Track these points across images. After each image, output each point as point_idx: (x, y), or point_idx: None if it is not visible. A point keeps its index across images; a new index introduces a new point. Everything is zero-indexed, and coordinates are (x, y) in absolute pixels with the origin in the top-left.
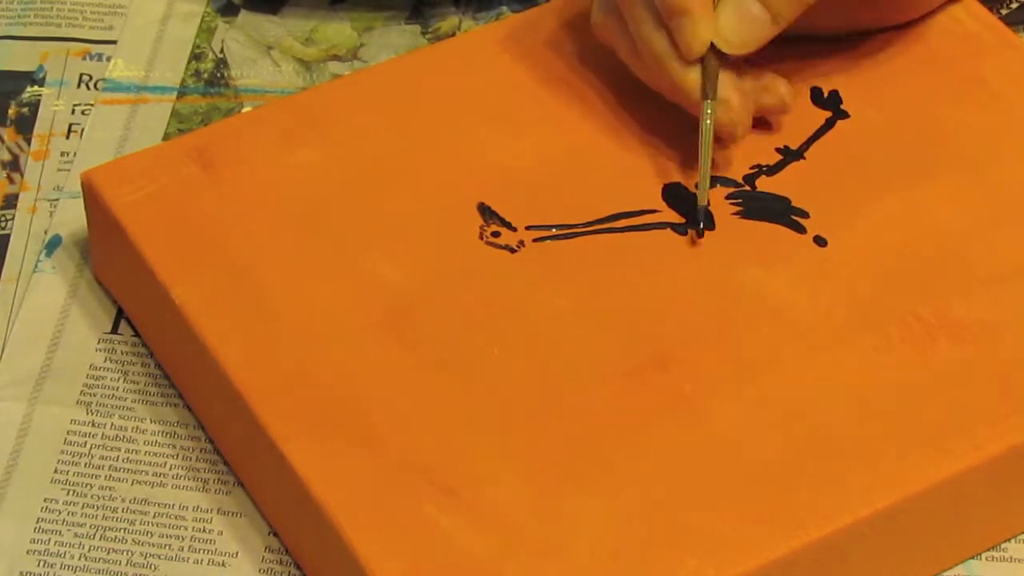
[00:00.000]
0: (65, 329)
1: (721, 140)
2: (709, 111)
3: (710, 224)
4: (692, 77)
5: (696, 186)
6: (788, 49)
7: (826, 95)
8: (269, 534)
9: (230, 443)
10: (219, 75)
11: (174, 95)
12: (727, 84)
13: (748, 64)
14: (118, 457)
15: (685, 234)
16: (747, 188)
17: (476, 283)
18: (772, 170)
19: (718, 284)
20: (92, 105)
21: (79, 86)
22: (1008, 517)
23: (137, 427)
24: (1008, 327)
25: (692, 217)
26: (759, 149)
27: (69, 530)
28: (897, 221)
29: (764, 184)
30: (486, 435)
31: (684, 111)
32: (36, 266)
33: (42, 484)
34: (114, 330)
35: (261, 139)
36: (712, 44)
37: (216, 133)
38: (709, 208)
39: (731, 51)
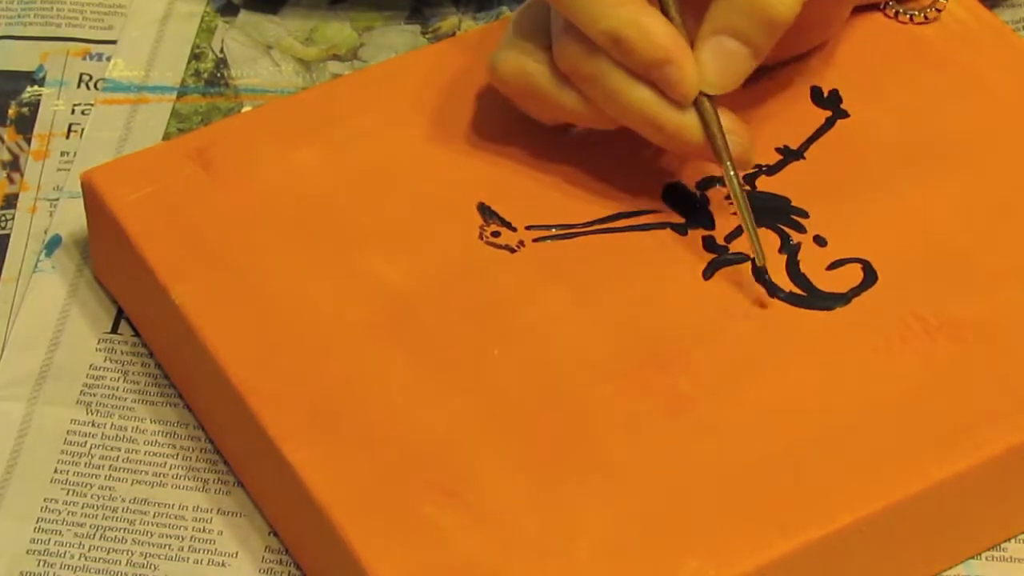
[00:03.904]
0: (65, 329)
1: (739, 168)
2: (733, 173)
3: (709, 224)
4: (691, 121)
5: (696, 185)
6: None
7: (826, 94)
8: (269, 534)
9: (230, 443)
10: (219, 75)
11: (174, 95)
12: (725, 115)
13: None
14: (118, 457)
15: (685, 234)
16: (747, 188)
17: (476, 283)
18: (772, 170)
19: (718, 284)
20: (92, 105)
21: (79, 86)
22: (1008, 517)
23: (137, 427)
24: (1008, 327)
25: (693, 217)
26: (759, 149)
27: (69, 530)
28: (897, 221)
29: (764, 184)
30: (486, 435)
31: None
32: (36, 266)
33: (42, 484)
34: (114, 330)
35: (261, 139)
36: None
37: (216, 133)
38: (763, 262)
39: (717, 91)
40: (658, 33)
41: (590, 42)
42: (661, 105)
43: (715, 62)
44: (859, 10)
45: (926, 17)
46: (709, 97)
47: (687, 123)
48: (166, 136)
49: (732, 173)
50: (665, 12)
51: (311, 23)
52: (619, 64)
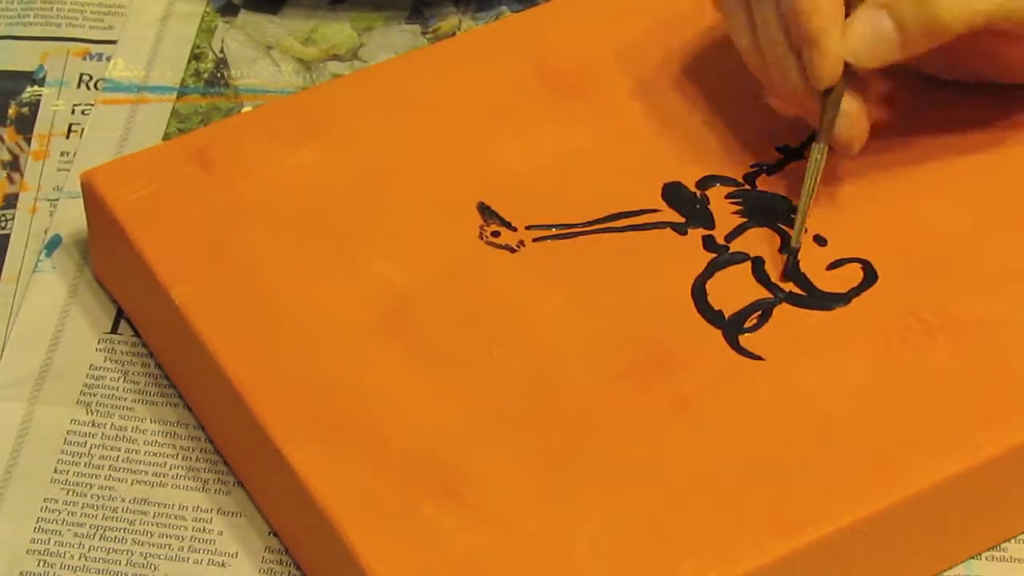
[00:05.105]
0: (65, 329)
1: (839, 151)
2: (820, 155)
3: (709, 224)
4: (815, 102)
5: (696, 185)
6: None
7: None
8: (269, 534)
9: (230, 443)
10: (219, 75)
11: (174, 95)
12: (850, 95)
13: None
14: (118, 457)
15: (685, 234)
16: (747, 187)
17: (476, 283)
18: (772, 169)
19: (718, 284)
20: (92, 105)
21: (79, 86)
22: (1008, 517)
23: (137, 427)
24: (1008, 327)
25: (692, 217)
26: (759, 148)
27: (69, 530)
28: (897, 221)
29: (764, 183)
30: (486, 435)
31: (689, 106)
32: (36, 266)
33: (42, 484)
34: (114, 330)
35: (261, 139)
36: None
37: (216, 133)
38: (797, 253)
39: (857, 63)
40: (823, 10)
41: None
42: (796, 73)
43: (865, 34)
44: None
45: None
46: (844, 75)
47: (810, 101)
48: (166, 136)
49: (819, 156)
50: None
51: (311, 23)
52: (779, 16)
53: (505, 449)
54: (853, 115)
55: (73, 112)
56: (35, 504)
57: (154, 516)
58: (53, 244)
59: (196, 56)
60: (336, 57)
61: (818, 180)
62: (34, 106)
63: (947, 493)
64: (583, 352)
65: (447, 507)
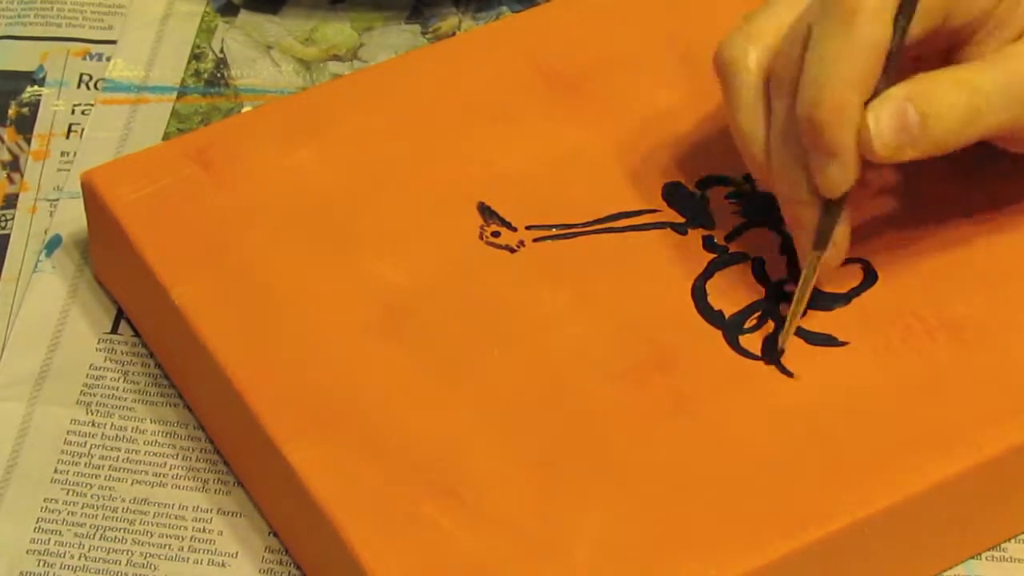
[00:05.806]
0: (65, 329)
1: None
2: (816, 263)
3: (709, 224)
4: (812, 215)
5: (696, 185)
6: None
7: None
8: (269, 534)
9: (230, 443)
10: (219, 75)
11: (174, 95)
12: (843, 225)
13: None
14: (118, 457)
15: (685, 234)
16: (747, 187)
17: (476, 283)
18: None
19: (717, 284)
20: (92, 105)
21: (79, 86)
22: (1008, 517)
23: (137, 427)
24: (1008, 327)
25: (692, 217)
26: None
27: (69, 530)
28: (897, 220)
29: None
30: (486, 435)
31: (689, 106)
32: (36, 266)
33: (42, 484)
34: (114, 330)
35: (261, 139)
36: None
37: (216, 133)
38: (783, 349)
39: (883, 152)
40: (846, 122)
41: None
42: (799, 184)
43: (891, 121)
44: None
45: None
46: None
47: (808, 215)
48: (166, 136)
49: (814, 264)
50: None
51: (311, 23)
52: (792, 116)
53: (505, 449)
54: (841, 245)
55: (73, 112)
56: (35, 504)
57: (154, 516)
58: (53, 244)
59: (196, 56)
60: (336, 57)
61: (811, 287)
62: (34, 106)
63: (947, 493)
64: (583, 352)
65: (447, 507)
